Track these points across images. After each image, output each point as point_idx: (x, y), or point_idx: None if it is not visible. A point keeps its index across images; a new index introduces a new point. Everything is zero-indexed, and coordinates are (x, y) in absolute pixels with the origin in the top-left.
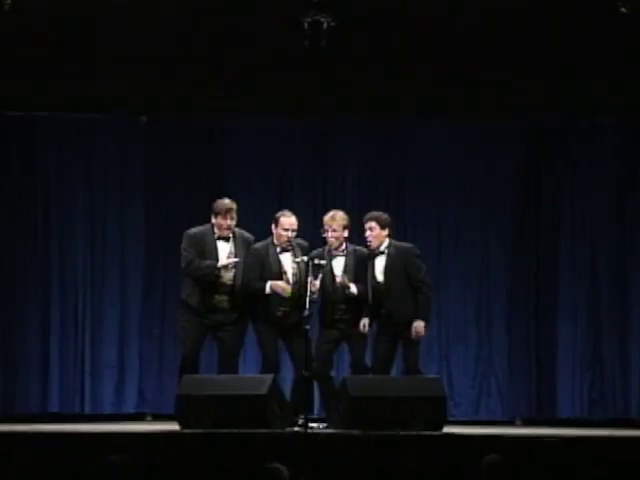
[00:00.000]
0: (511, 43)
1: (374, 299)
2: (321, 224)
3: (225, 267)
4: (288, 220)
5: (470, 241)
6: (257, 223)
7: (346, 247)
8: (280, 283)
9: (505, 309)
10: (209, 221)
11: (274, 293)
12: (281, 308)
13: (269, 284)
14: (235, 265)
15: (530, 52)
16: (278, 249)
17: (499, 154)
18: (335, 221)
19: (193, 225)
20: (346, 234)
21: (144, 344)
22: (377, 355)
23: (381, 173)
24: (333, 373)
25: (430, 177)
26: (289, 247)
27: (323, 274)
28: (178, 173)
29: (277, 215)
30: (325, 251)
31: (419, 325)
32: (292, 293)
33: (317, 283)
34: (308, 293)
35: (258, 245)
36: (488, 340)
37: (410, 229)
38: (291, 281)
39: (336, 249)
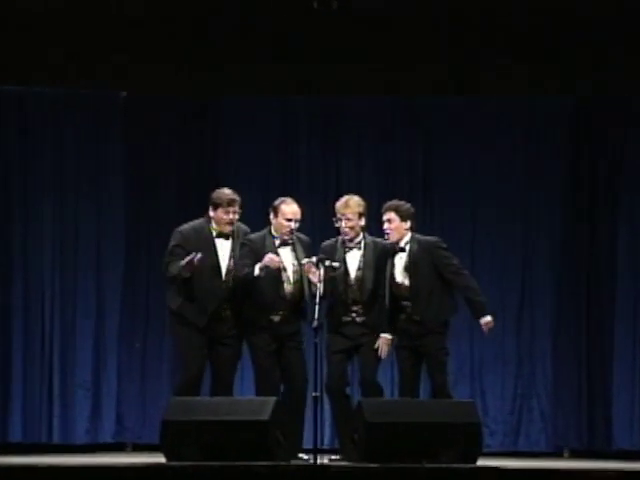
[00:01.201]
0: (559, 5)
1: (391, 304)
2: (333, 214)
3: (190, 264)
4: (290, 208)
5: (510, 237)
6: (257, 215)
7: (364, 238)
8: (270, 255)
9: (551, 318)
10: (203, 214)
11: (265, 269)
12: (279, 312)
13: (257, 265)
14: (199, 260)
15: (581, 15)
16: (277, 242)
17: (544, 134)
18: (349, 208)
19: (182, 219)
20: (363, 222)
21: (123, 361)
22: (402, 374)
23: (404, 156)
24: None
25: (462, 161)
26: (290, 241)
27: (336, 276)
28: (164, 158)
29: (276, 203)
30: (338, 243)
31: (488, 321)
32: (294, 283)
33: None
34: (317, 301)
35: (254, 236)
36: (529, 355)
37: (437, 222)
38: (291, 280)
39: (351, 240)
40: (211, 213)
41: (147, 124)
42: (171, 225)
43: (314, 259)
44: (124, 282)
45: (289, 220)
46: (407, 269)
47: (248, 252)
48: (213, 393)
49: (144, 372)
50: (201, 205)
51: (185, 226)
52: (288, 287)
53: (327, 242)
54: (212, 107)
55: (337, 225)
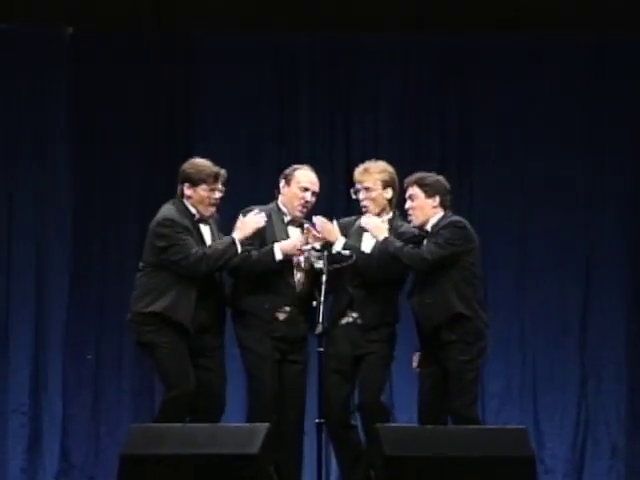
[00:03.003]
0: None
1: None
2: (345, 186)
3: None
4: (308, 176)
5: (571, 217)
6: (243, 189)
7: (393, 218)
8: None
9: (625, 319)
10: (174, 192)
11: (294, 253)
12: (286, 308)
13: (278, 246)
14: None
15: None
16: (286, 218)
17: (616, 81)
18: (369, 175)
19: (145, 192)
20: (389, 195)
21: (70, 377)
22: (419, 396)
23: (433, 113)
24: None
25: (509, 120)
26: (303, 219)
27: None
28: (122, 112)
29: (289, 170)
30: (358, 221)
31: (372, 221)
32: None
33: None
34: (321, 300)
35: (257, 209)
36: (597, 369)
37: (478, 200)
38: (302, 266)
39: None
40: (188, 191)
41: (99, 69)
42: (132, 199)
43: (317, 245)
44: (71, 275)
45: (305, 190)
46: None
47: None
48: (208, 418)
49: (98, 392)
50: (170, 175)
51: (171, 211)
52: (298, 275)
53: (346, 219)
54: (184, 49)
55: (355, 197)
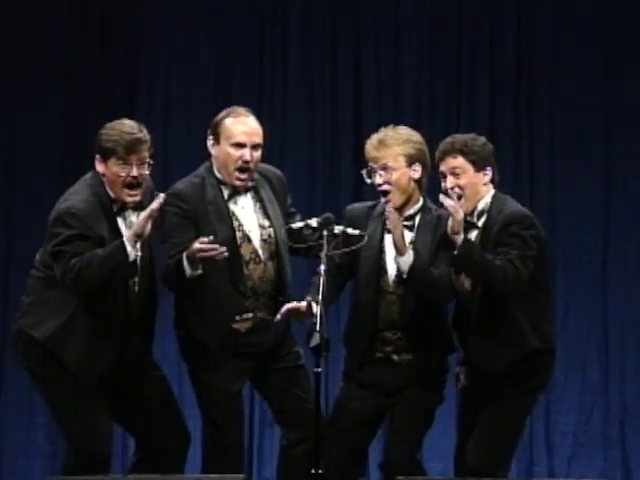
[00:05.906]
0: None
1: (455, 316)
2: (351, 146)
3: (141, 234)
4: (241, 125)
5: None
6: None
7: (423, 209)
8: (200, 241)
9: None
10: (90, 168)
11: (202, 262)
12: (245, 315)
13: (185, 257)
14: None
15: None
16: (226, 191)
17: None
18: (387, 149)
19: (66, 156)
20: (417, 174)
21: None
22: (460, 433)
23: (482, 45)
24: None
25: (591, 51)
26: (249, 184)
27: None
28: (35, 41)
29: (218, 118)
30: (375, 212)
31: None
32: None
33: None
34: (319, 299)
35: (183, 185)
36: None
37: (539, 171)
38: (261, 255)
39: (398, 211)
40: (99, 167)
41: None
42: (49, 162)
43: (314, 222)
44: None
45: (239, 145)
46: None
47: (178, 222)
48: (140, 466)
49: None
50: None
51: (79, 201)
52: (257, 269)
53: (356, 206)
54: None
55: (369, 181)
